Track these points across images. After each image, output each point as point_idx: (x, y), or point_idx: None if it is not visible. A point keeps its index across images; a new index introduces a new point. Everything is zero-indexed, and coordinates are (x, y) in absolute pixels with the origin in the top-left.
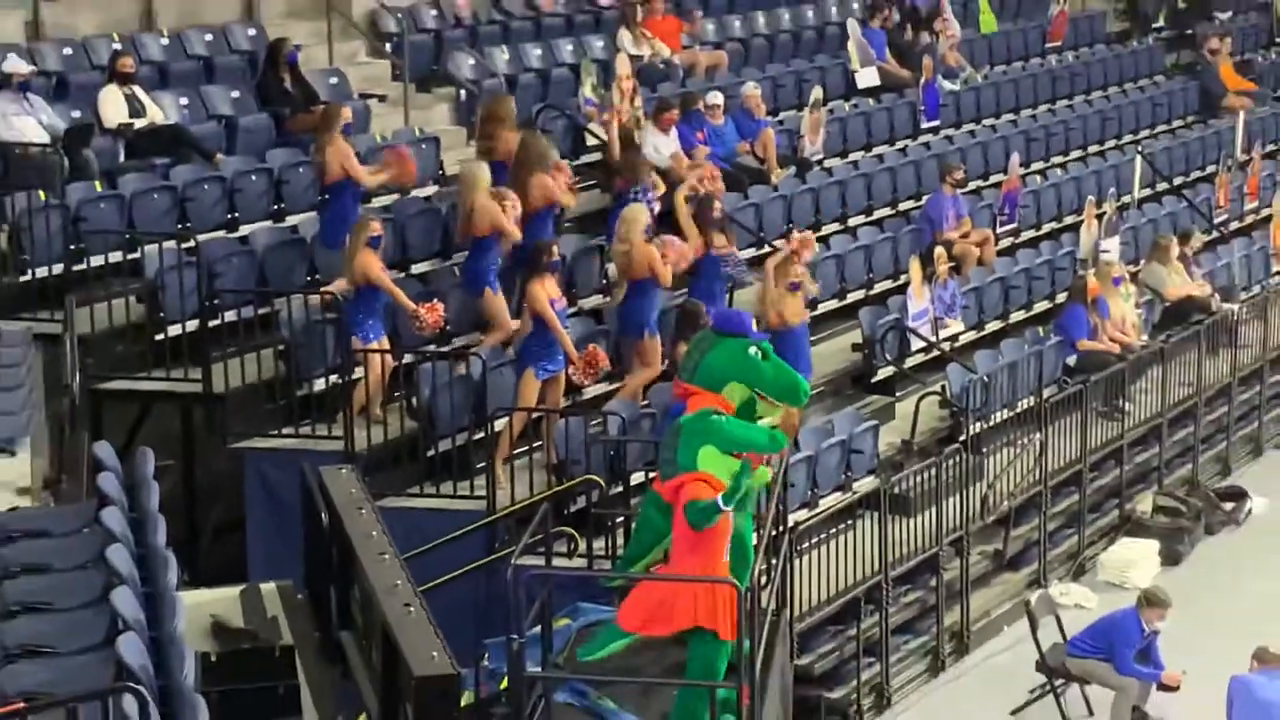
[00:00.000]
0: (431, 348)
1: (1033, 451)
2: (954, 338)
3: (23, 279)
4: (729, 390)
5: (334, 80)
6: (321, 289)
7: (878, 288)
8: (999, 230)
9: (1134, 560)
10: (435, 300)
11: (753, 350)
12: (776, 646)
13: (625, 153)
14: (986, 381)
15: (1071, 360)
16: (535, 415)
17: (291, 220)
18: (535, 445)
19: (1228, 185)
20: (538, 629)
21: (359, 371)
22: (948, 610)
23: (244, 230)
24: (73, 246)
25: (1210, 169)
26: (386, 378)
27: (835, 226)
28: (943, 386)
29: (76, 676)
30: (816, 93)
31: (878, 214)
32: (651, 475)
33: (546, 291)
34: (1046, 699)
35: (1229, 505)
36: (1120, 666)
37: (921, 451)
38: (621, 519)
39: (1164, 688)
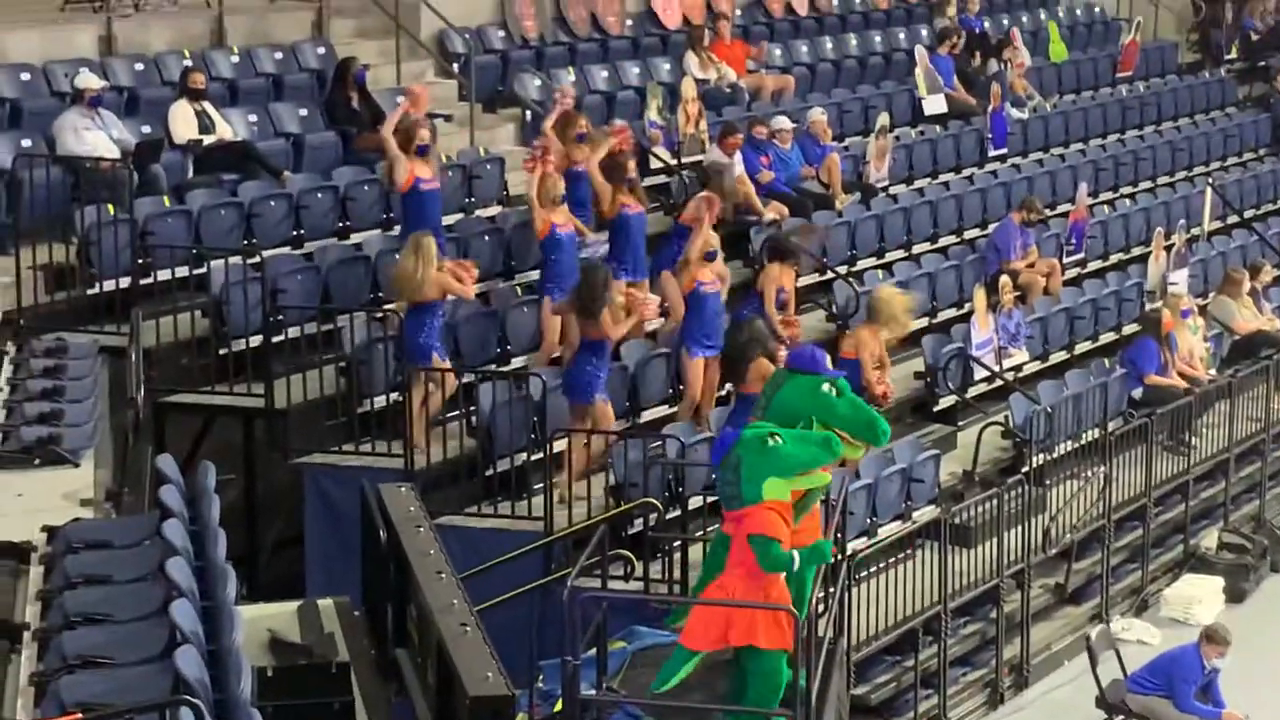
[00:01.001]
0: (492, 367)
1: (1097, 484)
2: (1018, 368)
3: (90, 292)
4: (803, 428)
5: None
6: (384, 308)
7: (941, 316)
8: (1065, 260)
9: (1198, 597)
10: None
11: (825, 387)
12: (833, 675)
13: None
14: (1050, 413)
15: (1137, 393)
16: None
17: (356, 238)
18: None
19: None
20: (593, 651)
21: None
22: (1007, 643)
23: (309, 247)
24: (140, 260)
25: None
26: (447, 395)
27: (899, 253)
28: (1005, 417)
29: (134, 688)
30: (883, 119)
31: (943, 241)
32: (710, 500)
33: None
34: None
35: None
36: (1180, 703)
37: (983, 482)
38: (679, 543)
39: None
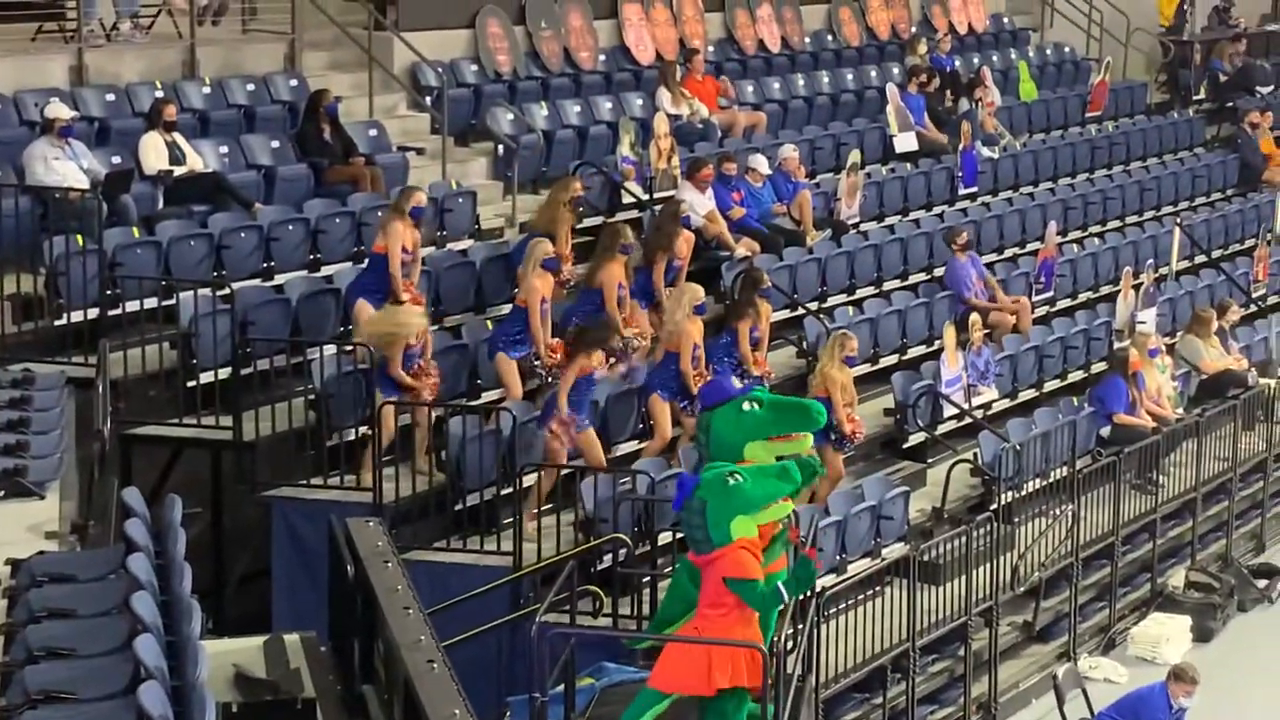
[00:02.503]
0: (462, 401)
1: (1065, 523)
2: (987, 405)
3: (58, 323)
4: (750, 451)
5: (373, 132)
6: (355, 340)
7: (911, 353)
8: (1034, 299)
9: (1165, 635)
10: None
11: (746, 405)
12: (801, 712)
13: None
14: (1019, 450)
15: (1105, 431)
16: (564, 474)
17: (327, 270)
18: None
19: (1267, 259)
20: (561, 688)
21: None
22: (975, 681)
23: (279, 279)
24: (108, 291)
25: (1249, 242)
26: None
27: (869, 290)
28: (975, 454)
29: None
30: (854, 156)
31: (913, 279)
32: (679, 536)
33: (592, 364)
34: None
35: (1262, 582)
36: None
37: (952, 519)
38: (648, 579)
39: None
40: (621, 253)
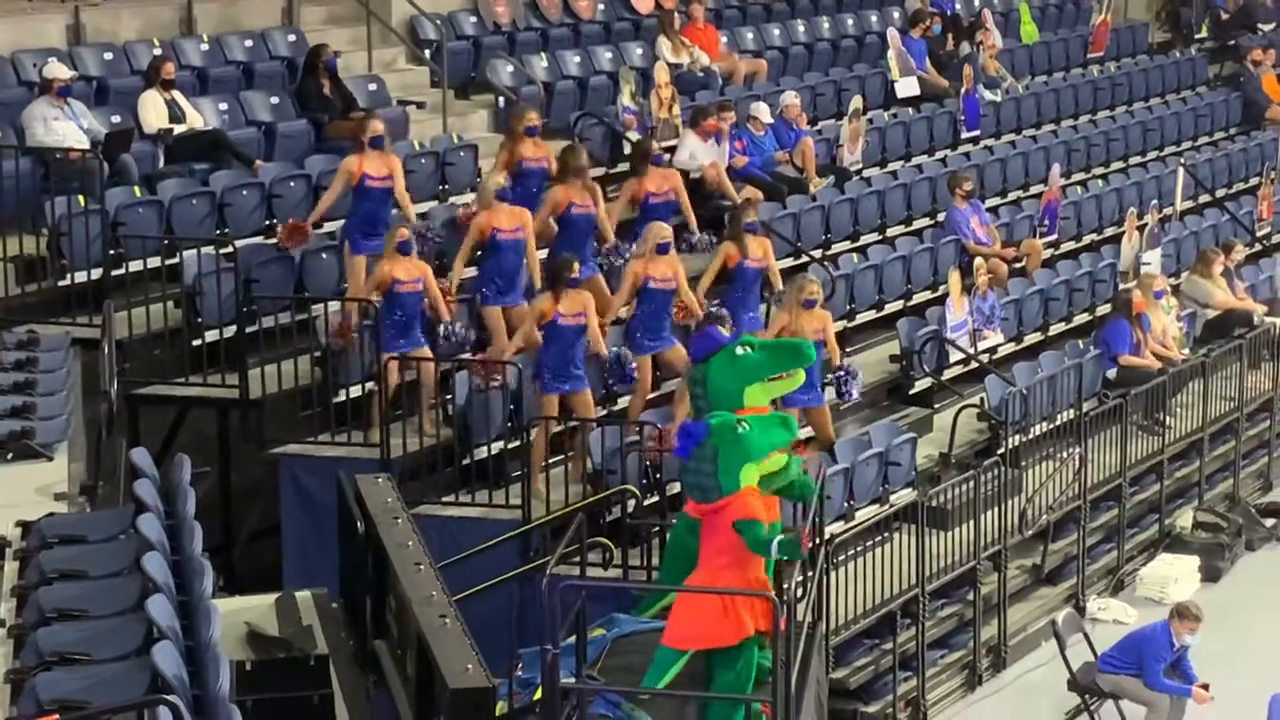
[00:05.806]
0: (467, 356)
1: (1072, 465)
2: (992, 350)
3: (62, 283)
4: (750, 395)
5: (373, 87)
6: (359, 297)
7: (916, 298)
8: (1039, 241)
9: (1173, 576)
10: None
11: (739, 350)
12: (812, 659)
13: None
14: (1025, 394)
15: (1111, 373)
16: (571, 427)
17: (330, 227)
18: (560, 456)
19: (1270, 197)
20: (572, 639)
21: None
22: (985, 624)
23: None
24: (111, 251)
25: (1253, 181)
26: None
27: (874, 236)
28: (981, 399)
29: (111, 685)
30: (856, 102)
31: (916, 224)
32: None
33: (556, 307)
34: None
35: (1270, 521)
36: (1150, 681)
37: (959, 464)
38: (657, 529)
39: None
40: (574, 176)
